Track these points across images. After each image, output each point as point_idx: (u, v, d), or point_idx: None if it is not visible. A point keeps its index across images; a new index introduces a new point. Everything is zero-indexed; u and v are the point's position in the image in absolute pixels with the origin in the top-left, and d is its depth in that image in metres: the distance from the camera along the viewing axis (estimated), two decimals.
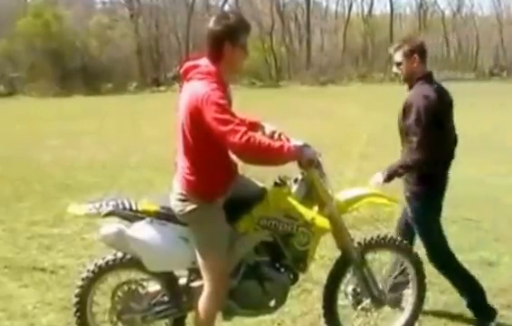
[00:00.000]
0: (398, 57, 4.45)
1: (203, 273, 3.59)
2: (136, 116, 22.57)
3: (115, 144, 15.04)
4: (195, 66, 3.51)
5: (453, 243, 6.18)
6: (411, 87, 4.47)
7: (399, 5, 79.05)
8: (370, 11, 58.84)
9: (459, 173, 9.85)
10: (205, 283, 3.60)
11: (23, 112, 26.33)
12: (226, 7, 53.07)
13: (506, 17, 57.66)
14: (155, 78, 46.66)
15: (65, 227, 7.27)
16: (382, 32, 55.21)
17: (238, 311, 3.80)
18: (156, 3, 52.92)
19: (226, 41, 3.44)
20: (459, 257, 5.74)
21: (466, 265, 5.57)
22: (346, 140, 14.11)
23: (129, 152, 13.53)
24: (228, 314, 3.83)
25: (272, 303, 3.79)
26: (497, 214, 7.46)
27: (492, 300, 4.88)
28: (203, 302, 3.62)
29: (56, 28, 44.09)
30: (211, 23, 3.47)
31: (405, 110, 4.34)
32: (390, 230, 5.66)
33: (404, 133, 4.42)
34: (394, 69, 4.53)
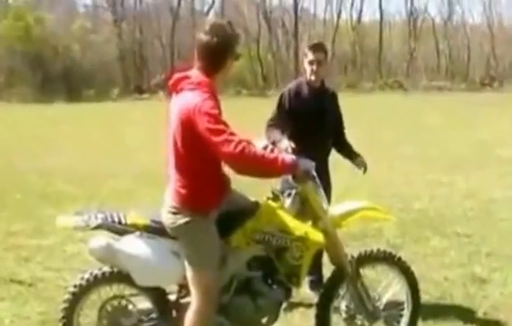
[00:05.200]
0: (320, 56, 4.89)
1: (192, 288, 3.51)
2: (118, 124, 22.41)
3: (96, 153, 14.86)
4: (186, 77, 3.45)
5: (444, 258, 6.20)
6: (322, 85, 5.01)
7: (389, 13, 79.49)
8: (359, 18, 58.87)
9: (454, 187, 9.99)
10: (193, 299, 3.52)
11: (1, 119, 25.97)
12: (212, 13, 53.15)
13: (497, 25, 57.85)
14: (138, 85, 46.45)
15: (44, 238, 7.09)
16: (371, 40, 55.42)
17: None
18: (139, 8, 52.82)
19: (227, 53, 3.42)
20: (450, 273, 5.73)
21: (457, 281, 5.55)
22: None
23: (111, 161, 13.37)
24: None
25: (265, 320, 3.72)
26: (490, 228, 7.36)
27: (483, 317, 4.84)
28: (190, 317, 3.54)
29: (37, 32, 43.79)
30: (205, 35, 3.39)
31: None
32: (379, 245, 5.61)
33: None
34: (314, 67, 4.88)
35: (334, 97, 5.19)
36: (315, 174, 3.62)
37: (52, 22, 46.67)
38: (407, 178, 10.87)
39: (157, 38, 52.28)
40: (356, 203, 4.01)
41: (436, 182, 10.44)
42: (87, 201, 8.91)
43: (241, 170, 3.29)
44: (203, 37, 3.39)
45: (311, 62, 4.90)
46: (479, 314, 4.89)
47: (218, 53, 3.40)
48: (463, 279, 5.65)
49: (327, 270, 4.44)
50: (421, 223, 7.59)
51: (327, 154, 5.14)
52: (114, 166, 12.70)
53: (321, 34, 53.47)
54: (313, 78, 4.94)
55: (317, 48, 4.96)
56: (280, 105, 4.99)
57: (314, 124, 4.86)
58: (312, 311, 4.68)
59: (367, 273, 4.06)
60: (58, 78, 41.84)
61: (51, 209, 8.54)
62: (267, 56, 52.63)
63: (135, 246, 3.55)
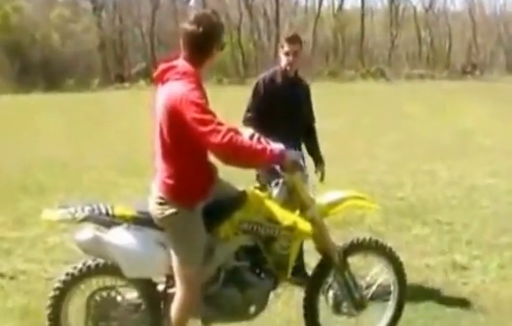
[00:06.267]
0: (296, 47, 5.07)
1: (177, 279, 3.53)
2: (99, 114, 22.12)
3: (76, 143, 14.68)
4: (171, 67, 3.43)
5: (425, 246, 6.25)
6: (296, 75, 5.19)
7: (370, 1, 79.26)
8: (341, 6, 58.62)
9: (436, 175, 10.05)
10: (178, 290, 3.54)
11: None
12: (192, 1, 52.84)
13: (478, 13, 57.95)
14: (118, 74, 46.03)
15: (25, 230, 7.02)
16: (353, 27, 55.31)
17: (217, 317, 3.74)
18: None
19: (212, 43, 3.42)
20: (431, 260, 5.79)
21: (438, 268, 5.61)
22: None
23: (92, 152, 13.23)
24: (207, 321, 3.77)
25: (252, 309, 3.74)
26: (471, 216, 7.44)
27: (464, 304, 4.90)
28: (175, 308, 3.56)
29: (15, 20, 43.10)
30: (190, 25, 3.39)
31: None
32: (362, 233, 5.64)
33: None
34: (290, 58, 5.04)
35: (307, 89, 5.34)
36: (303, 164, 3.64)
37: (30, 10, 45.99)
38: (389, 167, 10.92)
39: (138, 26, 51.79)
40: (343, 192, 4.04)
41: (418, 170, 10.49)
42: (67, 192, 8.83)
43: (228, 160, 3.28)
44: (188, 27, 3.39)
45: (287, 54, 5.08)
46: (460, 300, 4.95)
47: (203, 43, 3.40)
48: (444, 266, 5.72)
49: (311, 257, 4.44)
50: (404, 211, 7.64)
51: (301, 143, 5.24)
52: (95, 156, 12.56)
53: (302, 22, 53.40)
54: (289, 68, 5.10)
55: (294, 40, 5.11)
56: (255, 93, 5.15)
57: (287, 112, 5.01)
58: (294, 299, 4.74)
59: (355, 261, 4.07)
60: (37, 67, 41.17)
61: (31, 201, 8.47)
62: (248, 44, 52.40)
63: (122, 238, 3.54)
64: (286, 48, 5.06)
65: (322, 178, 5.16)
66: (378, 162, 11.49)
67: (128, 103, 26.51)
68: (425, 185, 9.37)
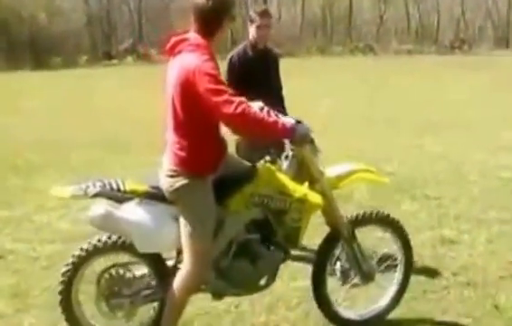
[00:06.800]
0: (268, 21, 5.39)
1: (185, 251, 3.53)
2: (87, 91, 21.91)
3: (65, 121, 14.59)
4: (184, 40, 3.46)
5: (414, 221, 6.27)
6: (265, 46, 5.48)
7: None
8: None
9: (424, 150, 10.07)
10: (186, 262, 3.54)
11: None
12: None
13: None
14: (106, 51, 45.65)
15: (13, 210, 6.99)
16: (341, 3, 55.11)
17: (229, 290, 3.77)
18: None
19: (223, 16, 3.45)
20: (420, 235, 5.81)
21: (427, 243, 5.64)
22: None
23: (80, 130, 13.15)
24: (218, 294, 3.81)
25: (263, 282, 3.79)
26: (460, 191, 7.47)
27: (452, 278, 4.93)
28: (179, 279, 3.56)
29: None
30: None
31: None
32: (350, 208, 5.66)
33: None
34: (262, 31, 5.33)
35: (277, 59, 5.69)
36: (313, 137, 3.64)
37: None
38: (377, 141, 10.93)
39: (125, 3, 51.38)
40: (352, 165, 4.08)
41: (407, 145, 10.53)
42: (56, 171, 8.79)
43: (240, 131, 3.44)
44: (198, 1, 3.41)
45: (259, 27, 5.34)
46: (449, 274, 4.99)
47: (214, 16, 3.43)
48: (433, 241, 5.75)
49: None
50: (392, 186, 7.62)
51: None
52: (83, 134, 12.50)
53: None
54: (260, 40, 5.41)
55: (265, 14, 5.41)
56: (230, 69, 5.36)
57: (262, 83, 5.17)
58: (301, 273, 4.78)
59: (362, 234, 4.10)
60: (24, 46, 40.75)
61: (19, 180, 8.44)
62: (237, 20, 52.03)
63: (135, 213, 3.54)
64: (258, 22, 5.33)
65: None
66: (366, 136, 11.50)
67: (116, 80, 26.35)
68: (413, 159, 9.38)
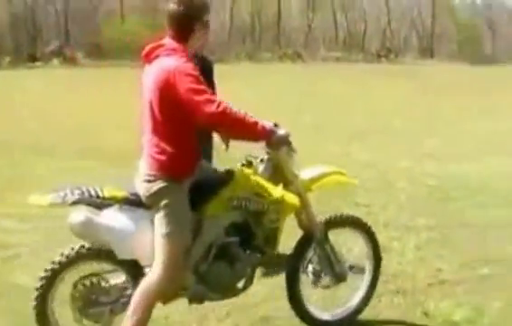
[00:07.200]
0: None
1: (158, 255, 3.48)
2: (9, 93, 21.27)
3: None
4: (160, 45, 3.51)
5: None
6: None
7: None
8: None
9: (352, 157, 10.15)
10: (157, 266, 3.47)
11: None
12: None
13: None
14: (31, 53, 44.34)
15: None
16: (269, 10, 55.59)
17: (208, 295, 3.77)
18: None
19: (194, 21, 3.49)
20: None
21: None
22: None
23: (4, 131, 12.78)
24: (196, 299, 3.79)
25: (241, 285, 3.82)
26: (388, 198, 7.56)
27: (383, 286, 4.92)
28: (147, 285, 3.49)
29: None
30: (173, 4, 3.48)
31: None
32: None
33: None
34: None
35: (212, 65, 5.66)
36: (290, 140, 3.73)
37: None
38: (306, 148, 10.87)
39: (51, 4, 50.16)
40: (324, 167, 4.19)
41: (335, 152, 10.56)
42: None
43: (220, 130, 3.54)
44: (171, 6, 3.48)
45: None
46: (379, 282, 4.99)
47: (186, 22, 3.48)
48: None
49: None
50: (320, 194, 7.65)
51: None
52: (5, 135, 12.14)
53: (219, 3, 53.12)
54: (200, 49, 5.32)
55: None
56: None
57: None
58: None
59: (335, 235, 4.14)
60: None
61: None
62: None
63: (115, 219, 3.52)
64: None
65: (227, 148, 5.20)
66: (294, 143, 11.48)
67: (40, 82, 25.65)
68: (342, 167, 9.38)
